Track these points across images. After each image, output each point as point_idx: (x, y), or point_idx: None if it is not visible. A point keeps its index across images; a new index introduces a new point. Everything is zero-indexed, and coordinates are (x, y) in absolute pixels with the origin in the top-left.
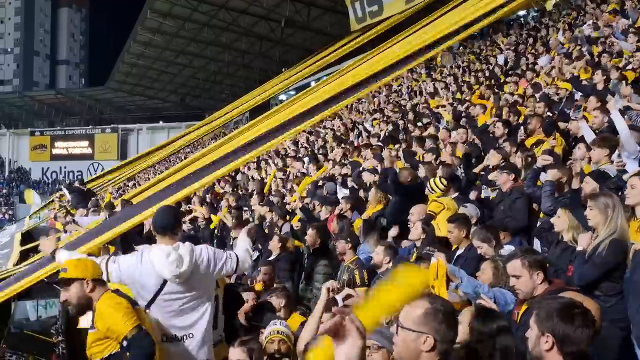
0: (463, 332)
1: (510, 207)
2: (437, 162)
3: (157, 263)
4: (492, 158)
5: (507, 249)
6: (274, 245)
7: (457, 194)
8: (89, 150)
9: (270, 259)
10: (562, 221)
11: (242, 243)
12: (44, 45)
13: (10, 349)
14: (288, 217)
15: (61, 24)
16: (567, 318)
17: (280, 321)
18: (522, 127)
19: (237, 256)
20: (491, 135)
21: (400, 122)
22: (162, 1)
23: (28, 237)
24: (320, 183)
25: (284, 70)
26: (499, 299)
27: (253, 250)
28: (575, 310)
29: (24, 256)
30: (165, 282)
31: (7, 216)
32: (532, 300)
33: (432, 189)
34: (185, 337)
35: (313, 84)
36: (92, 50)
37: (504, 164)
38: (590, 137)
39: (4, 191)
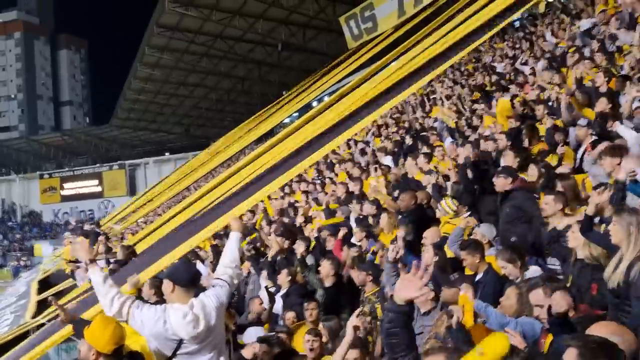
0: None
1: (515, 215)
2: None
3: (174, 324)
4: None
5: (532, 270)
6: (283, 279)
7: (468, 213)
8: (99, 188)
9: (281, 293)
10: (576, 237)
11: (230, 247)
12: (46, 88)
13: None
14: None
15: (61, 66)
16: (612, 357)
17: None
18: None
19: (224, 280)
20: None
21: (406, 138)
22: (159, 36)
23: (45, 283)
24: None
25: (283, 93)
26: (526, 331)
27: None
28: (617, 349)
29: (41, 305)
30: (181, 340)
31: (21, 262)
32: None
33: (445, 211)
34: None
35: (315, 104)
36: (93, 89)
37: (500, 168)
38: (631, 138)
39: (18, 236)
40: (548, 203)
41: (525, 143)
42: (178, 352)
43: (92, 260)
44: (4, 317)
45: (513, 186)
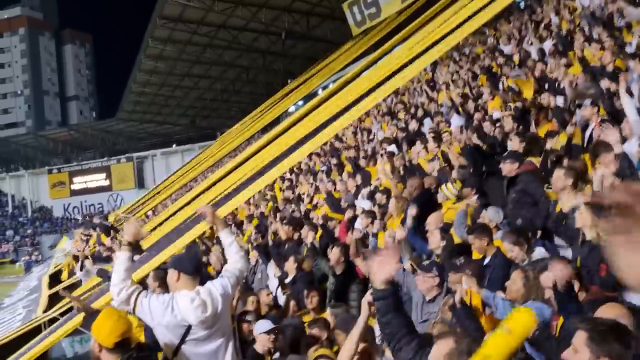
0: None
1: (522, 199)
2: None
3: (182, 309)
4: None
5: (538, 252)
6: (290, 266)
7: (476, 196)
8: (107, 182)
9: (287, 280)
10: (583, 217)
11: (230, 247)
12: (52, 83)
13: None
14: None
15: (67, 61)
16: (622, 340)
17: None
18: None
19: (231, 272)
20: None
21: (412, 123)
22: (161, 28)
23: (55, 277)
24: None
25: (289, 81)
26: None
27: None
28: (627, 331)
29: (53, 299)
30: (189, 327)
31: (33, 257)
32: (576, 318)
33: (446, 196)
34: None
35: (320, 92)
36: (99, 83)
37: (506, 153)
38: (632, 113)
39: (29, 231)
40: (558, 177)
41: (533, 125)
42: (187, 339)
43: (130, 244)
44: (16, 311)
45: (519, 170)
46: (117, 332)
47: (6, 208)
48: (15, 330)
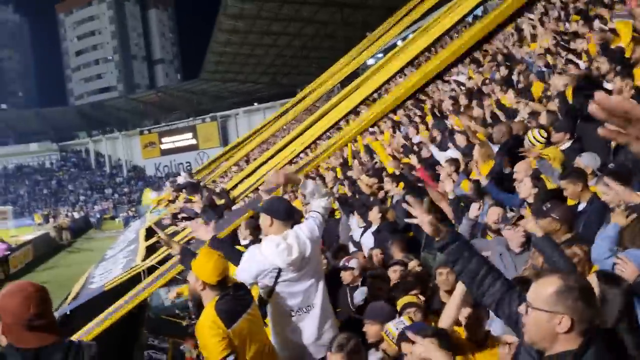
0: None
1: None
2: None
3: (269, 254)
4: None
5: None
6: (374, 216)
7: (570, 142)
8: (194, 141)
9: (371, 229)
10: None
11: (313, 196)
12: (139, 47)
13: (151, 333)
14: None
15: (151, 25)
16: None
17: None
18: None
19: (318, 212)
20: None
21: (501, 70)
22: None
23: (151, 231)
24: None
25: (367, 34)
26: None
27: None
28: None
29: (149, 250)
30: (280, 269)
31: (130, 213)
32: None
33: (532, 143)
34: (307, 309)
35: (399, 43)
36: (182, 46)
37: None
38: None
39: (125, 189)
40: None
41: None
42: (279, 280)
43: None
44: (118, 261)
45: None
46: (218, 270)
47: (104, 168)
48: (118, 277)
